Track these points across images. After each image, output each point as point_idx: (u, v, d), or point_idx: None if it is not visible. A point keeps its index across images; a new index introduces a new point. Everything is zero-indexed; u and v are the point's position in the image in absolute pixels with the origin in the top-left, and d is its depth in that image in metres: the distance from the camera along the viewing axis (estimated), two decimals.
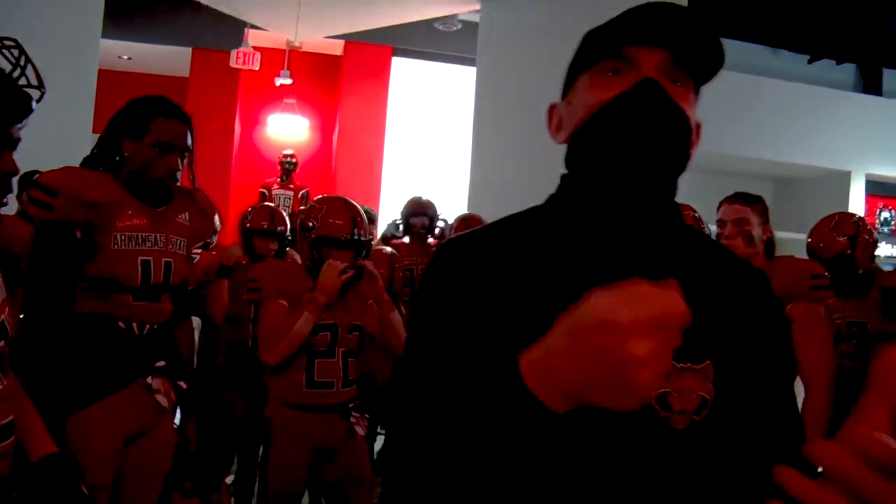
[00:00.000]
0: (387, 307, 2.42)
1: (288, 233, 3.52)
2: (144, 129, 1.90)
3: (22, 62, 1.45)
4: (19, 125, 1.36)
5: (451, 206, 6.55)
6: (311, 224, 2.41)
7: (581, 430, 0.72)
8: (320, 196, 2.58)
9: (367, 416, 2.47)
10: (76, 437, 1.78)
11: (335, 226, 2.38)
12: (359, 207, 2.50)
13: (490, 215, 3.80)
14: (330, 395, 2.36)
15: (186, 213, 2.07)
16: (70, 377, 1.83)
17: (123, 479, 1.91)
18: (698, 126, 0.85)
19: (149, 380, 1.94)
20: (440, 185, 7.59)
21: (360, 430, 2.39)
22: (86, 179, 1.89)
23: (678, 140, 0.80)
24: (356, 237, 2.39)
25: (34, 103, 1.37)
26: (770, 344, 0.84)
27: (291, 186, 7.72)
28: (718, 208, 2.46)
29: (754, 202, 2.42)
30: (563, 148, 0.89)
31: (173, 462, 2.11)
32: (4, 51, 1.42)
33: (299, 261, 2.74)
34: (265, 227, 3.42)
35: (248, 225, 3.44)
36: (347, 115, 8.05)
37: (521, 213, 0.91)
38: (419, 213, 4.14)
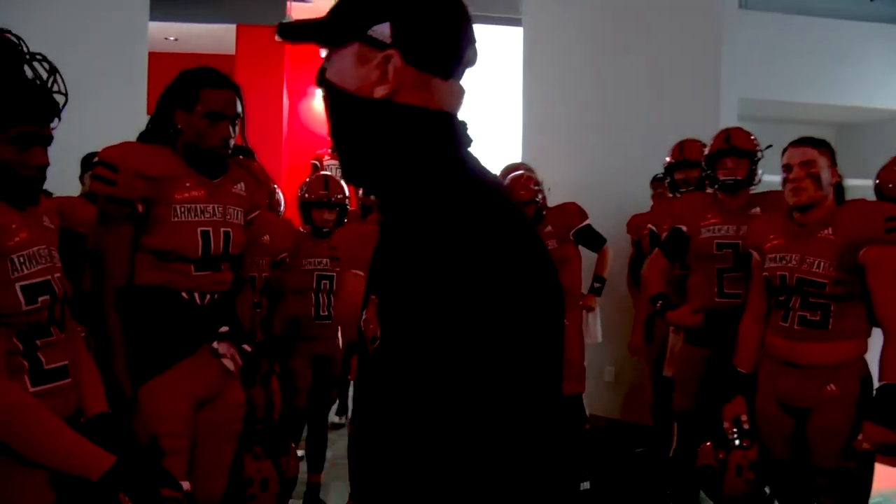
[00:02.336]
0: None
1: (347, 201, 3.49)
2: (195, 98, 1.93)
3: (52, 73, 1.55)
4: (53, 125, 1.52)
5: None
6: None
7: None
8: None
9: None
10: (149, 405, 1.85)
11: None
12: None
13: (545, 173, 3.78)
14: None
15: (242, 184, 2.10)
16: (138, 348, 1.89)
17: (197, 443, 1.98)
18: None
19: (214, 344, 1.99)
20: (493, 147, 7.57)
21: None
22: (145, 154, 1.94)
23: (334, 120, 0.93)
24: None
25: (62, 109, 1.53)
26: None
27: None
28: (783, 154, 2.37)
29: (821, 145, 2.32)
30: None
31: (243, 425, 2.17)
32: (35, 63, 1.51)
33: None
34: (321, 197, 3.38)
35: (307, 196, 3.41)
36: None
37: None
38: None
